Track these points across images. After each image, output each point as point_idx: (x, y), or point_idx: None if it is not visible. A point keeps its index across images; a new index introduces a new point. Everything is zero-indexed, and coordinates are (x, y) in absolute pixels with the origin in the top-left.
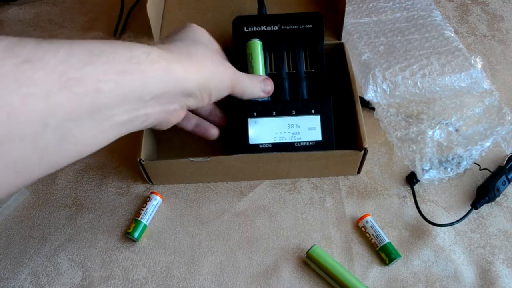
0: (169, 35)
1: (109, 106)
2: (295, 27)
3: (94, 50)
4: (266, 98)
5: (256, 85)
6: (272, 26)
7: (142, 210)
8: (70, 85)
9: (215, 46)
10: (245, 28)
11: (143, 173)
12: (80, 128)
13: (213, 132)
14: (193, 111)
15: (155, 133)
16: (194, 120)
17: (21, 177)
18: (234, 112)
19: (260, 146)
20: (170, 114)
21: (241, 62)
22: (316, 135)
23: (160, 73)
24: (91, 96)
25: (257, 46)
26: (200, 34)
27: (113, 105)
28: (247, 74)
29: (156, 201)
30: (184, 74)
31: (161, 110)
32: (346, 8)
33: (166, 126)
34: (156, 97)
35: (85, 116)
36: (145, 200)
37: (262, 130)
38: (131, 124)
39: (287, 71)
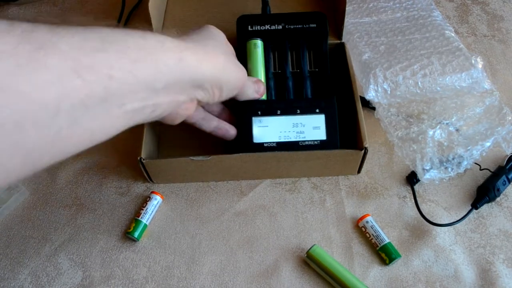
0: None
1: (121, 93)
2: (299, 26)
3: (107, 37)
4: (269, 97)
5: (251, 86)
6: (276, 25)
7: (142, 209)
8: (83, 72)
9: (230, 48)
10: (249, 27)
11: (144, 172)
12: (92, 115)
13: (233, 132)
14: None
15: (156, 131)
16: (214, 122)
17: (33, 162)
18: (238, 111)
19: (265, 145)
20: (179, 105)
21: (244, 61)
22: (320, 134)
23: (173, 62)
24: (103, 83)
25: (257, 46)
26: (217, 34)
27: (125, 93)
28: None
29: (156, 200)
30: (197, 63)
31: (171, 100)
32: (346, 8)
33: (174, 119)
34: (167, 87)
35: (96, 103)
36: (145, 200)
37: (267, 129)
38: (141, 114)
39: (291, 70)
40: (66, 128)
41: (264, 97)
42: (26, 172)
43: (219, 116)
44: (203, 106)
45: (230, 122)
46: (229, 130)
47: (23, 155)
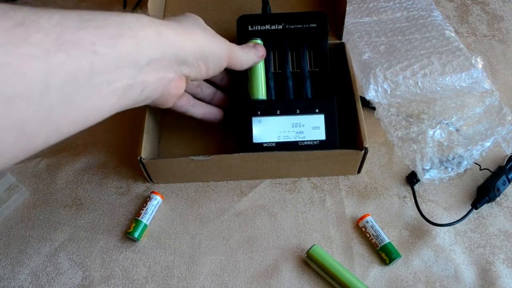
0: None
1: (106, 69)
2: (300, 26)
3: (84, 16)
4: (269, 97)
5: (251, 51)
6: (276, 25)
7: (143, 209)
8: (67, 47)
9: (210, 29)
10: (249, 27)
11: (144, 172)
12: (83, 93)
13: (220, 115)
14: (198, 98)
15: (156, 131)
16: (203, 107)
17: (27, 139)
18: (238, 111)
19: (264, 145)
20: (168, 83)
21: None
22: (320, 134)
23: (152, 37)
24: (88, 58)
25: None
26: (195, 16)
27: (111, 69)
28: (238, 45)
29: (156, 200)
30: (175, 37)
31: (158, 78)
32: (346, 8)
33: (166, 100)
34: (151, 63)
35: (85, 79)
36: (146, 200)
37: (266, 129)
38: (130, 93)
39: (291, 70)
40: (59, 105)
41: (264, 97)
42: (21, 151)
43: (212, 98)
44: (197, 93)
45: (224, 103)
46: (218, 114)
47: (16, 132)
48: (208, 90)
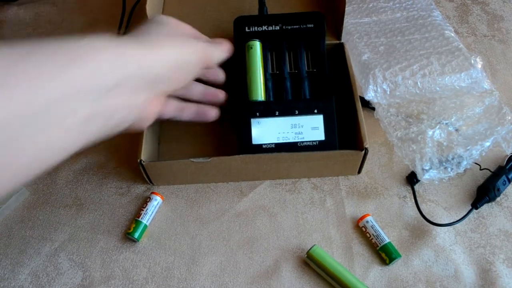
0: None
1: (61, 101)
2: (297, 26)
3: (35, 46)
4: (268, 98)
5: (216, 50)
6: (273, 26)
7: (143, 210)
8: (11, 82)
9: (180, 28)
10: (246, 28)
11: (144, 174)
12: (31, 130)
13: (212, 113)
14: (187, 100)
15: (156, 133)
16: (192, 108)
17: None
18: (237, 112)
19: (264, 146)
20: (143, 105)
21: (243, 62)
22: (319, 134)
23: (114, 59)
24: (37, 93)
25: (255, 47)
26: (161, 19)
27: (67, 100)
28: (207, 42)
29: (156, 201)
30: (141, 56)
31: (129, 102)
32: (346, 8)
33: (147, 119)
34: (117, 87)
35: (33, 116)
36: (146, 200)
37: (265, 130)
38: (95, 122)
39: (289, 71)
40: (2, 148)
41: (262, 98)
42: None
43: (204, 97)
44: (184, 94)
45: (217, 100)
46: (207, 112)
47: None
48: (196, 89)
